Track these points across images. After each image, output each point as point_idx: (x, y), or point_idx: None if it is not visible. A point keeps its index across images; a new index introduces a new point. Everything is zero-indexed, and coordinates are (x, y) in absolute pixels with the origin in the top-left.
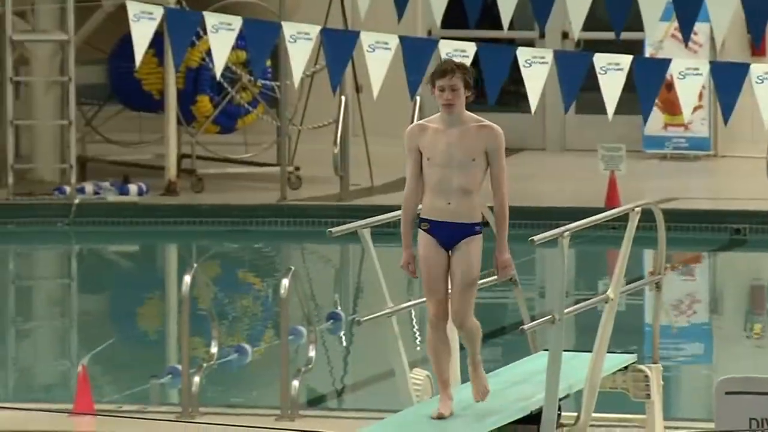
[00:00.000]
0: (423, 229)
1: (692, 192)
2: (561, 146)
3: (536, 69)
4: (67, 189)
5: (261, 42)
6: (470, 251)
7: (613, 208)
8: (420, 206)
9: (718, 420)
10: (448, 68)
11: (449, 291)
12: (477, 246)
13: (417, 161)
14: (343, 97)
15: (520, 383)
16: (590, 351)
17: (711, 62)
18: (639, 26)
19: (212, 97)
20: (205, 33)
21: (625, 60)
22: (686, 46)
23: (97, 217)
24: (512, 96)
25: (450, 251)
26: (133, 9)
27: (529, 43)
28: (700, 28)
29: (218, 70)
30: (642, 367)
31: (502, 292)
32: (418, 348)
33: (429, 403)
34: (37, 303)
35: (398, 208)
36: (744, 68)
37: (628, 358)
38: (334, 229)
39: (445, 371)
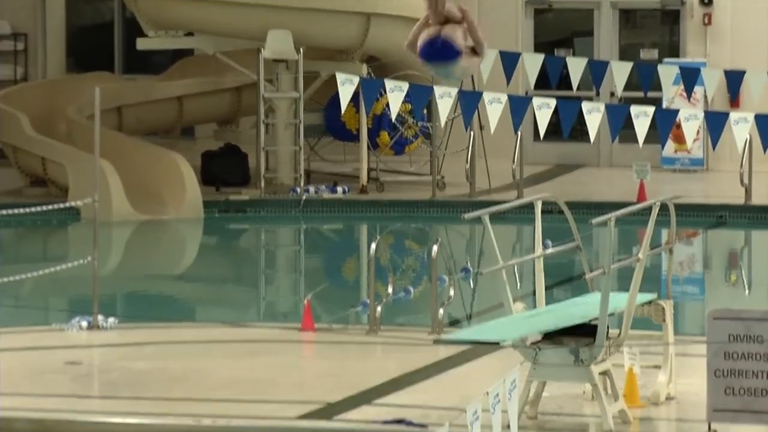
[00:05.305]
0: None
1: (692, 192)
2: (609, 163)
3: (594, 115)
4: (298, 189)
5: (420, 98)
6: None
7: (643, 202)
8: None
9: (708, 335)
10: None
11: None
12: None
13: None
14: (472, 132)
15: (582, 306)
16: (627, 291)
17: (705, 111)
18: (659, 88)
19: (389, 133)
20: (385, 92)
21: (650, 110)
22: (689, 100)
23: (317, 207)
24: (578, 131)
25: None
26: (340, 77)
27: (589, 99)
28: (698, 90)
29: (393, 116)
30: (660, 301)
31: (572, 255)
32: (518, 288)
33: (522, 314)
34: (279, 260)
35: (505, 201)
36: (725, 115)
37: (651, 296)
38: (466, 215)
39: None
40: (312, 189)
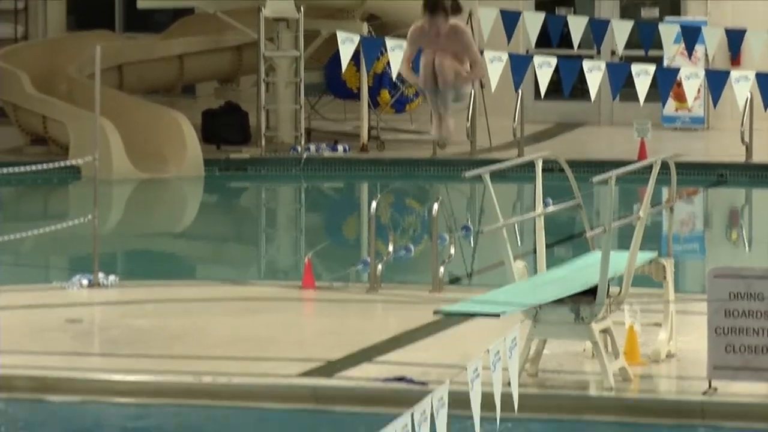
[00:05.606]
0: None
1: (693, 151)
2: (610, 122)
3: (595, 73)
4: (299, 148)
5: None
6: None
7: (643, 161)
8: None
9: (709, 293)
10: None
11: None
12: None
13: None
14: (472, 91)
15: (584, 268)
16: (628, 249)
17: (706, 70)
18: (660, 46)
19: (390, 91)
20: (386, 51)
21: (651, 68)
22: (690, 59)
23: (317, 166)
24: (579, 90)
25: None
26: (341, 36)
27: (590, 57)
28: (699, 48)
29: (394, 74)
30: (661, 259)
31: (573, 213)
32: (519, 246)
33: (525, 282)
34: (279, 219)
35: (505, 160)
36: (726, 74)
37: (652, 254)
38: (466, 173)
39: None
40: (312, 147)
